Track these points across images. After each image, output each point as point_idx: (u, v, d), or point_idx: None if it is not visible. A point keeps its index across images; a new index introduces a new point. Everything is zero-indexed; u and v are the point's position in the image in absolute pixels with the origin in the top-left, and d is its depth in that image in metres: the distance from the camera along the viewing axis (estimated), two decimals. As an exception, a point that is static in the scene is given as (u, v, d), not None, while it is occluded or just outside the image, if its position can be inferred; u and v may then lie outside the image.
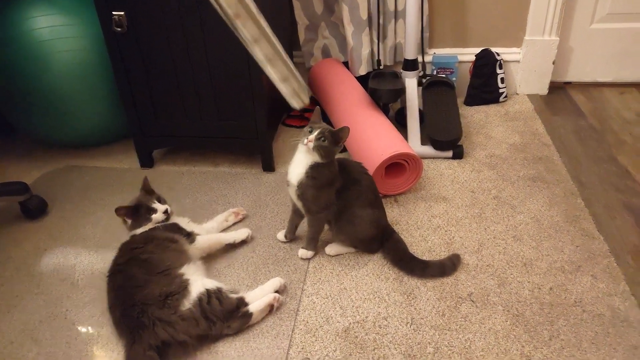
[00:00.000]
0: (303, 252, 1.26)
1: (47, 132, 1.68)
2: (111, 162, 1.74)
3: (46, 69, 1.54)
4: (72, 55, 1.54)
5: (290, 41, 1.95)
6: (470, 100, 1.97)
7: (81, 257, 1.31)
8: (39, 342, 1.08)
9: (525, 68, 1.99)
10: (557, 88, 2.06)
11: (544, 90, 2.03)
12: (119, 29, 1.44)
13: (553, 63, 1.96)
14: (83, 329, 1.10)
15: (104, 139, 1.80)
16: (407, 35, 1.66)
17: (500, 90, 1.96)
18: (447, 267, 1.17)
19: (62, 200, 1.55)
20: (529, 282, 1.14)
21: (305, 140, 1.12)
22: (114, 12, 1.42)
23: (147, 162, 1.68)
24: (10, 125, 2.01)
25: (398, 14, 1.88)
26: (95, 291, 1.20)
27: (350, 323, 1.07)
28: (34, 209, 1.47)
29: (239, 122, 1.55)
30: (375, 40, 1.89)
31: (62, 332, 1.10)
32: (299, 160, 1.17)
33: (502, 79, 1.95)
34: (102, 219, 1.45)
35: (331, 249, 1.27)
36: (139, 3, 1.40)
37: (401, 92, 1.60)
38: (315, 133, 1.12)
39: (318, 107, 1.22)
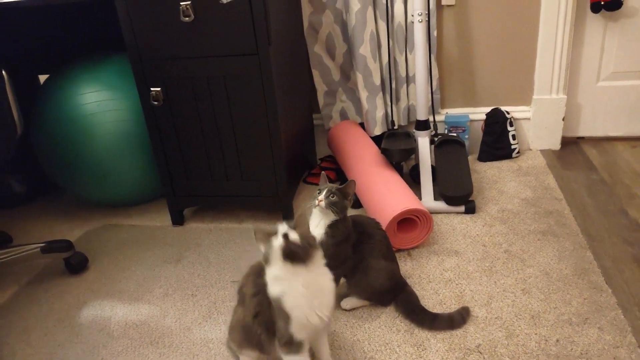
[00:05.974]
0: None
1: (90, 193, 1.86)
2: (145, 220, 1.89)
3: (92, 138, 1.73)
4: (114, 125, 1.73)
5: (310, 105, 2.11)
6: (484, 157, 2.06)
7: (116, 310, 1.42)
8: (76, 389, 1.18)
9: (536, 125, 2.07)
10: (570, 143, 2.13)
11: (556, 145, 2.10)
12: (155, 103, 1.62)
13: (563, 119, 2.04)
14: (116, 377, 1.20)
15: (140, 199, 1.96)
16: (418, 98, 1.79)
17: (513, 147, 2.04)
18: (455, 319, 1.23)
19: (101, 256, 1.69)
20: (536, 334, 1.17)
21: (317, 202, 1.22)
22: (152, 88, 1.61)
23: (178, 220, 1.82)
24: (57, 187, 2.21)
25: (410, 79, 2.02)
26: (128, 341, 1.30)
27: (362, 373, 1.12)
28: (77, 264, 1.61)
29: (260, 181, 1.68)
30: (389, 103, 2.03)
31: (97, 379, 1.20)
32: (317, 222, 1.26)
33: (513, 135, 2.03)
34: (135, 273, 1.57)
35: (346, 303, 1.34)
36: (174, 80, 1.59)
37: (412, 151, 1.71)
38: (324, 192, 1.23)
39: (323, 172, 1.34)
